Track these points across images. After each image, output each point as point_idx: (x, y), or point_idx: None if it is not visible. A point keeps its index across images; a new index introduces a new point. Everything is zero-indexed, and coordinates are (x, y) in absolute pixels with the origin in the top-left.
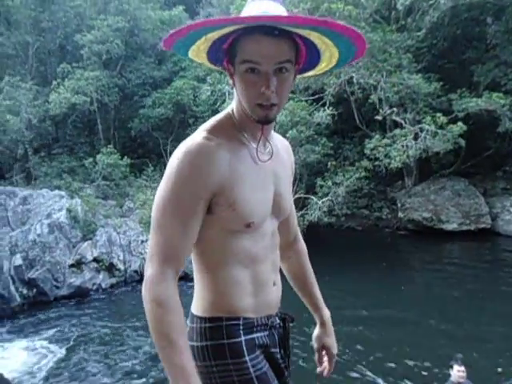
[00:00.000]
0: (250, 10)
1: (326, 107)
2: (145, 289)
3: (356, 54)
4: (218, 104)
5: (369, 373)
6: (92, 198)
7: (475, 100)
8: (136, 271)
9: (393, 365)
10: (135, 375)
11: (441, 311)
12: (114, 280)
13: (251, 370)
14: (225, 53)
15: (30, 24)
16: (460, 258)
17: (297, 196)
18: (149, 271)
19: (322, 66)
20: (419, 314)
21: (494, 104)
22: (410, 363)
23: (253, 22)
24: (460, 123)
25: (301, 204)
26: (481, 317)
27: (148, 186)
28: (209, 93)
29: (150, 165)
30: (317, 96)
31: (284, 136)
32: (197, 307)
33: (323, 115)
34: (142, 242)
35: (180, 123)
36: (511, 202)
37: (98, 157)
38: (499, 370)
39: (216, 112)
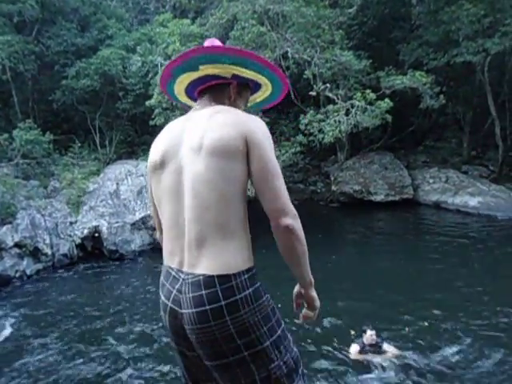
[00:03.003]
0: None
1: None
2: (294, 219)
3: (282, 90)
4: (150, 76)
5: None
6: (10, 179)
7: (401, 78)
8: (65, 255)
9: (316, 329)
10: (57, 370)
11: (369, 279)
12: (40, 266)
13: (271, 302)
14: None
15: None
16: (387, 226)
17: None
18: (291, 207)
19: (259, 94)
20: (349, 281)
21: (417, 82)
22: (332, 327)
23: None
24: (387, 100)
25: None
26: (405, 281)
27: (75, 163)
28: (139, 64)
29: (77, 141)
30: None
31: None
32: (235, 263)
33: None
34: (71, 223)
35: (109, 96)
36: (430, 174)
37: (15, 132)
38: (426, 322)
39: (148, 85)
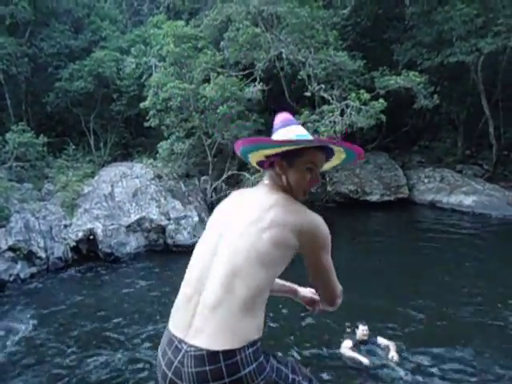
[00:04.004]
0: (288, 134)
1: (256, 83)
2: (341, 296)
3: (356, 157)
4: (144, 78)
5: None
6: (3, 182)
7: (395, 78)
8: (60, 258)
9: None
10: (57, 372)
11: (365, 276)
12: (34, 269)
13: (274, 366)
14: (280, 155)
15: None
16: (383, 226)
17: (230, 173)
18: (340, 290)
19: (333, 161)
20: (346, 278)
21: (411, 82)
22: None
23: (315, 143)
24: (381, 100)
25: (234, 180)
26: (401, 278)
27: (70, 166)
28: (133, 66)
29: (71, 144)
30: (247, 71)
31: (215, 112)
32: (244, 338)
33: (254, 91)
34: (66, 226)
35: (103, 98)
36: (425, 173)
37: (8, 135)
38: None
39: (142, 86)
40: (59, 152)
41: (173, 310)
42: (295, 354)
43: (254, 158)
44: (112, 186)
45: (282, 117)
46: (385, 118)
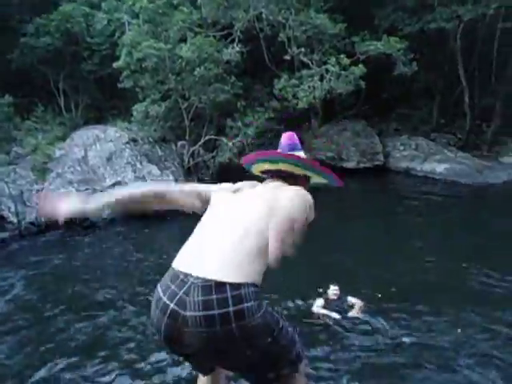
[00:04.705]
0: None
1: (234, 44)
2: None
3: (336, 182)
4: (117, 35)
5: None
6: None
7: (375, 43)
8: (32, 223)
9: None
10: (40, 335)
11: (341, 240)
12: (5, 234)
13: (271, 311)
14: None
15: None
16: (359, 192)
17: (207, 137)
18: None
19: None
20: (322, 242)
21: (391, 48)
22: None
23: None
24: (361, 65)
25: (211, 145)
26: (376, 243)
27: (39, 128)
28: (105, 22)
29: (40, 105)
30: (226, 32)
31: (191, 73)
32: (248, 276)
33: (232, 52)
34: (38, 191)
35: (73, 56)
36: (401, 141)
37: None
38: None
39: (115, 45)
40: (27, 113)
41: (181, 253)
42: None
43: (257, 169)
44: (85, 149)
45: (288, 139)
46: (364, 84)
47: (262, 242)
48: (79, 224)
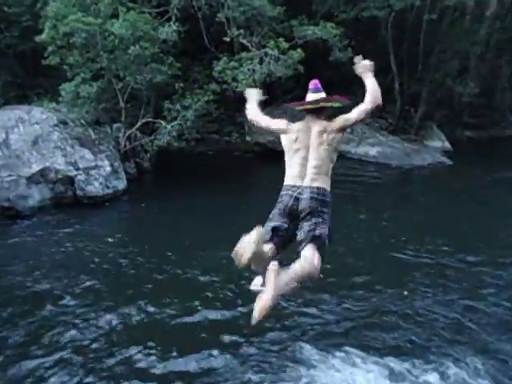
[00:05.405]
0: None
1: (171, 22)
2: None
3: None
4: (39, 6)
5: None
6: None
7: (313, 28)
8: None
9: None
10: None
11: None
12: None
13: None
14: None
15: None
16: None
17: (144, 120)
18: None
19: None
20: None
21: (328, 34)
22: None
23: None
24: (299, 50)
25: (150, 129)
26: None
27: None
28: None
29: None
30: (162, 9)
31: (125, 52)
32: (328, 186)
33: (169, 31)
34: None
35: None
36: None
37: None
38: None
39: (37, 17)
40: None
41: (289, 177)
42: (209, 294)
43: (299, 109)
44: (6, 132)
45: (314, 85)
46: (303, 68)
47: (331, 157)
48: (2, 213)
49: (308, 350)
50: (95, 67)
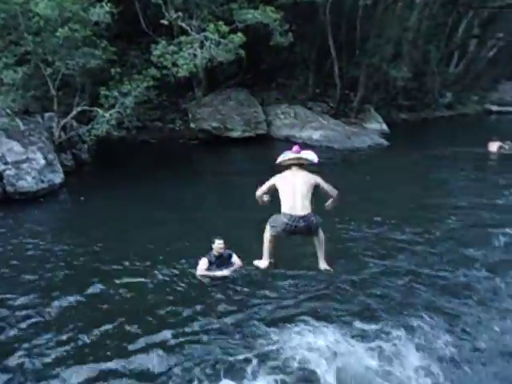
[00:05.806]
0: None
1: (103, 3)
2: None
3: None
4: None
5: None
6: None
7: (252, 12)
8: None
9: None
10: None
11: (226, 204)
12: None
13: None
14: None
15: None
16: (243, 160)
17: (80, 109)
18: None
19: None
20: (207, 206)
21: (268, 18)
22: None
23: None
24: (240, 34)
25: (86, 118)
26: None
27: None
28: None
29: None
30: None
31: (53, 34)
32: (311, 210)
33: (101, 12)
34: None
35: None
36: (281, 110)
37: None
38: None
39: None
40: None
41: (285, 208)
42: (160, 276)
43: (285, 163)
44: None
45: (296, 150)
46: (244, 53)
47: (311, 193)
48: None
49: (268, 324)
50: (19, 51)
